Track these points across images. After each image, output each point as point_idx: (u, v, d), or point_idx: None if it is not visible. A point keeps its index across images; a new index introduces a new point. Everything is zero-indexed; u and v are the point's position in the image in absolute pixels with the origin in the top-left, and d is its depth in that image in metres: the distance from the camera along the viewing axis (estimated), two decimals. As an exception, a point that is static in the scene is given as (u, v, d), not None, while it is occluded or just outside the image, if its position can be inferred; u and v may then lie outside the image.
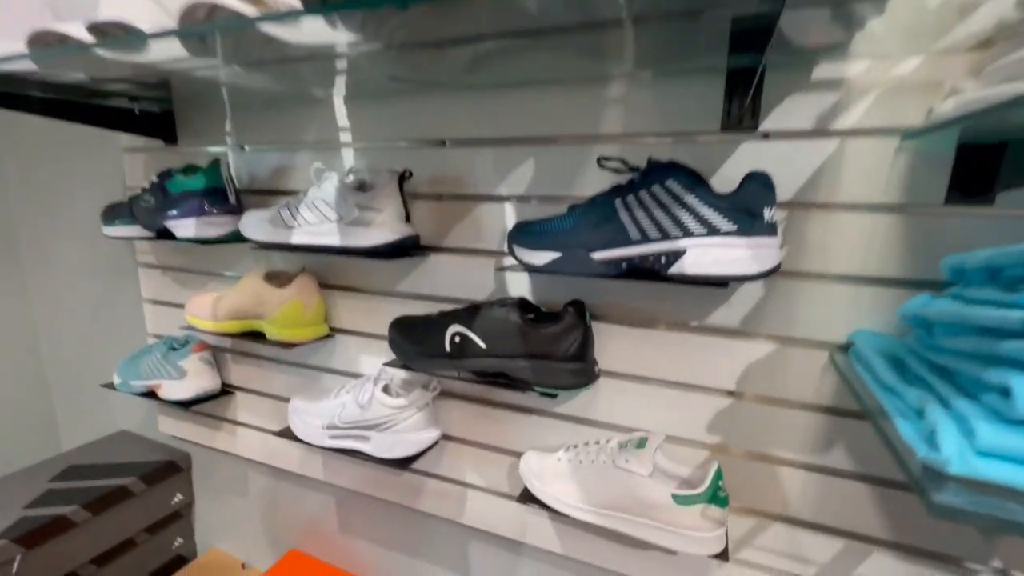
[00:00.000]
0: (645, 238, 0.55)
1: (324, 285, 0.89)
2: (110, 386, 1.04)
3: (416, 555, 0.99)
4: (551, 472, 0.70)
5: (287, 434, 0.86)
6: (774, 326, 0.61)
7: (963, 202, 0.48)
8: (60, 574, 0.99)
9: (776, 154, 0.57)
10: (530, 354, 0.65)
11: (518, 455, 0.78)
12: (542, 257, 0.60)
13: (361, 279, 0.86)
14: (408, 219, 0.74)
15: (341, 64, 0.64)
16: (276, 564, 1.08)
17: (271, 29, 0.47)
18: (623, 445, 0.65)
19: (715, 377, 0.65)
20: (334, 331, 0.90)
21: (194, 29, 0.49)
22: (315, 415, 0.83)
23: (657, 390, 0.69)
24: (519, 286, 0.74)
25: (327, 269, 0.88)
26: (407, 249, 0.75)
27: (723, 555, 0.60)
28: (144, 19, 0.51)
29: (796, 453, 0.62)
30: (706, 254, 0.52)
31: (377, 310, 0.85)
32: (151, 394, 1.00)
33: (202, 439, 1.13)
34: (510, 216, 0.73)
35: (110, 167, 1.09)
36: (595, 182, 0.66)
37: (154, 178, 0.87)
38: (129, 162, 1.05)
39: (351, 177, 0.75)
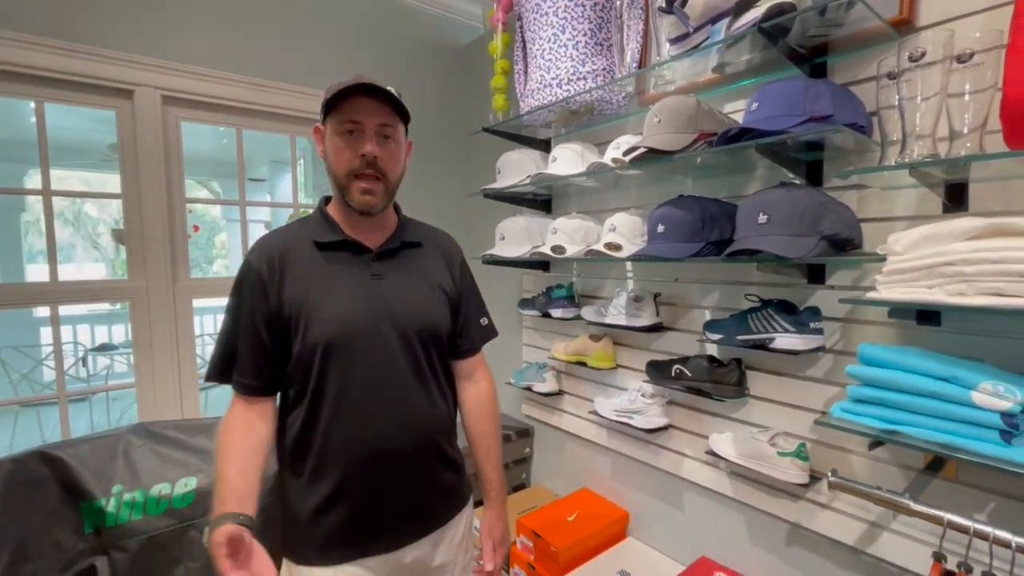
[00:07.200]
0: (760, 331, 1.28)
1: (615, 342, 1.82)
2: (508, 383, 2.18)
3: (652, 495, 1.77)
4: (724, 442, 1.42)
5: (593, 412, 1.79)
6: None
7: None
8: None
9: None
10: (713, 381, 1.42)
11: (706, 437, 1.52)
12: (717, 337, 1.38)
13: (633, 342, 1.76)
14: (658, 314, 1.61)
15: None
16: (571, 495, 2.00)
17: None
18: (761, 431, 1.34)
19: (810, 401, 1.29)
20: (619, 366, 1.82)
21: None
22: (607, 405, 1.74)
23: (778, 407, 1.35)
24: (710, 348, 1.52)
25: (618, 336, 1.82)
26: (656, 328, 1.61)
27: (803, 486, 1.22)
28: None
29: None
30: (784, 340, 1.23)
31: (639, 357, 1.73)
32: (528, 389, 2.09)
33: (543, 418, 2.18)
34: (701, 316, 1.52)
35: (516, 282, 2.31)
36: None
37: (543, 289, 1.98)
38: (524, 279, 2.24)
39: (632, 294, 1.67)
